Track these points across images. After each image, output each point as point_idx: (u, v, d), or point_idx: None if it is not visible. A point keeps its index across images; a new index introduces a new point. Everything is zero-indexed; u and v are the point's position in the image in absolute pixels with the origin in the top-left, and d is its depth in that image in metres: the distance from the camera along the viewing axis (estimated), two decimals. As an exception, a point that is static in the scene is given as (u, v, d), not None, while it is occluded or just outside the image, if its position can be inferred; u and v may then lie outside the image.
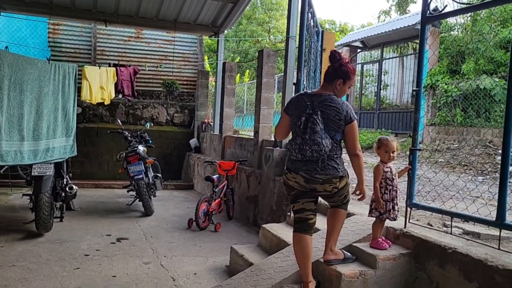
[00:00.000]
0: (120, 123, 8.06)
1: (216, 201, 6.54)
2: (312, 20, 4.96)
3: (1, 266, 4.43)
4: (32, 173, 5.23)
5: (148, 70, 10.41)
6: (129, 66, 7.30)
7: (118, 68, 6.99)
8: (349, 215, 4.40)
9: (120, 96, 7.23)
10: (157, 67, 7.28)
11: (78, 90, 6.18)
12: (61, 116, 5.42)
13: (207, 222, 6.31)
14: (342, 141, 3.32)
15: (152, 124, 8.35)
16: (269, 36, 28.01)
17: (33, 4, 8.93)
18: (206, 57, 15.71)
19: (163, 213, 7.31)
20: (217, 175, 7.04)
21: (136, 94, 7.36)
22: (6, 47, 5.14)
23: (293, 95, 3.99)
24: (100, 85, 6.45)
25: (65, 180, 6.08)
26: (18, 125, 4.68)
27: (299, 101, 3.30)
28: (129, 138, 7.69)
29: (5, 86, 4.45)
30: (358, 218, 4.26)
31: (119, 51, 11.17)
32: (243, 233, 6.25)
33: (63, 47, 10.78)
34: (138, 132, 7.91)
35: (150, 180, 7.27)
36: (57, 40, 10.87)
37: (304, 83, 4.40)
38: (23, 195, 5.97)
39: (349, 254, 3.57)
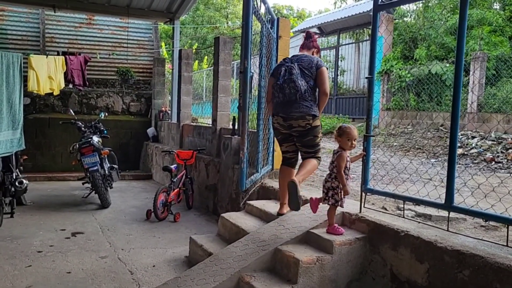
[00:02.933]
0: (73, 113, 7.77)
1: (175, 191, 6.46)
2: (263, 7, 4.90)
3: None
4: (-23, 169, 4.97)
5: (102, 58, 10.07)
6: (80, 54, 6.96)
7: (67, 56, 6.66)
8: (306, 201, 4.46)
9: (71, 86, 6.91)
10: (109, 55, 7.00)
11: (25, 79, 5.87)
12: (6, 109, 5.13)
13: (166, 213, 6.23)
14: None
15: (107, 114, 8.10)
16: (227, 22, 27.73)
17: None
18: (163, 44, 15.37)
19: (120, 204, 7.16)
20: (175, 165, 6.94)
21: (87, 83, 7.05)
22: None
23: (246, 83, 4.01)
24: (48, 74, 6.11)
25: (14, 174, 5.82)
26: None
27: (281, 63, 4.07)
28: (82, 128, 7.44)
29: None
30: (316, 205, 4.31)
31: (69, 38, 10.70)
32: (202, 222, 6.21)
33: (8, 34, 10.20)
34: (92, 123, 7.66)
35: (106, 172, 7.08)
36: (1, 27, 10.27)
37: (252, 70, 4.36)
38: (-28, 190, 5.66)
39: None
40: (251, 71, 4.01)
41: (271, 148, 5.62)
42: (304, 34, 4.41)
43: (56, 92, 6.38)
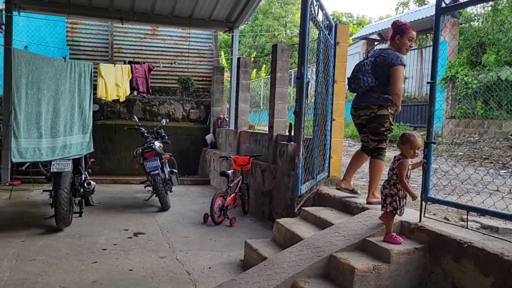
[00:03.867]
0: (137, 120, 8.15)
1: (231, 196, 6.57)
2: (321, 13, 4.90)
3: (22, 260, 4.54)
4: (52, 170, 5.34)
5: (164, 66, 10.50)
6: (144, 63, 7.32)
7: (133, 65, 7.02)
8: (364, 209, 4.38)
9: (135, 93, 7.26)
10: (171, 63, 7.30)
11: (94, 87, 6.27)
12: (77, 114, 5.52)
13: (223, 217, 6.35)
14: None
15: (167, 120, 8.42)
16: (286, 31, 27.88)
17: (51, 3, 9.08)
18: (222, 53, 15.73)
19: (179, 208, 7.38)
20: (232, 170, 7.06)
21: (151, 90, 7.39)
22: (26, 47, 5.24)
23: (302, 89, 4.07)
24: (115, 82, 6.49)
25: (83, 176, 6.19)
26: (36, 122, 4.79)
27: (364, 58, 4.53)
28: (145, 134, 7.77)
29: (23, 85, 4.56)
30: (373, 213, 4.22)
31: (135, 49, 11.27)
32: (258, 228, 6.26)
33: (81, 46, 10.94)
34: (155, 129, 7.98)
35: (166, 176, 7.34)
36: (75, 38, 11.03)
37: (308, 76, 4.36)
38: (44, 191, 6.09)
39: None
40: (307, 77, 4.02)
41: (327, 155, 5.58)
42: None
43: (122, 99, 6.75)
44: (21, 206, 6.99)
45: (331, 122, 5.57)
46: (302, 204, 4.89)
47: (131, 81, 6.99)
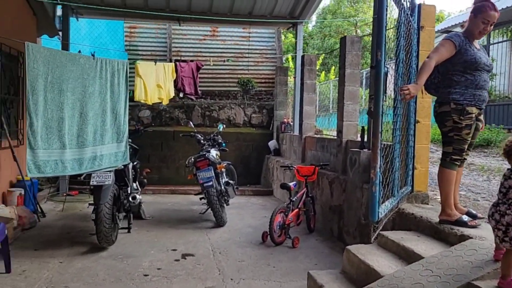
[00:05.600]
0: (193, 126, 7.56)
1: (294, 211, 5.70)
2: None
3: (54, 287, 4.02)
4: (91, 183, 4.82)
5: (224, 69, 9.92)
6: (192, 61, 6.64)
7: (177, 63, 6.35)
8: (464, 238, 3.33)
9: (181, 95, 6.63)
10: (224, 61, 6.61)
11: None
12: (110, 120, 4.91)
13: (284, 237, 5.49)
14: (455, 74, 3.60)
15: (225, 126, 7.75)
16: (356, 31, 26.53)
17: (107, 7, 8.83)
18: (289, 57, 14.92)
19: (237, 223, 6.64)
20: (295, 182, 6.19)
21: (199, 92, 6.68)
22: (93, 54, 4.71)
23: (378, 81, 3.13)
24: (156, 83, 5.82)
25: (129, 188, 5.65)
26: (58, 130, 4.23)
27: None
28: (201, 141, 7.16)
29: (40, 86, 4.01)
30: (478, 244, 3.16)
31: (194, 51, 10.87)
32: (325, 250, 5.33)
33: (139, 50, 10.75)
34: (211, 135, 7.35)
35: (222, 188, 6.63)
36: (133, 43, 10.88)
37: (387, 66, 3.37)
38: (89, 204, 5.62)
39: (466, 217, 3.55)
40: (385, 66, 3.06)
41: (411, 165, 4.53)
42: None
43: (165, 102, 6.09)
44: (71, 219, 6.63)
45: (414, 125, 4.53)
46: (380, 229, 3.90)
47: (175, 82, 6.30)
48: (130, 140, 6.28)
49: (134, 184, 6.21)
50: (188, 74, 6.40)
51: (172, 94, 6.13)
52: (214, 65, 9.38)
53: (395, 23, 3.85)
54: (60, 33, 8.47)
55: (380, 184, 3.22)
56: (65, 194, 8.09)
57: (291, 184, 5.94)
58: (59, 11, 8.60)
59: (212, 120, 10.22)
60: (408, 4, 4.19)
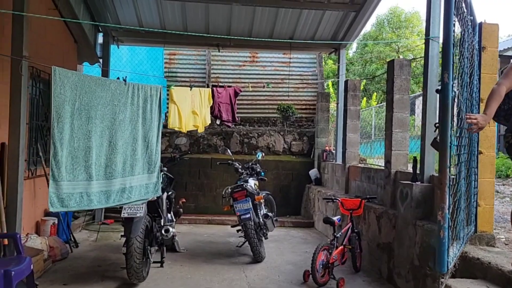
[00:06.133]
0: (230, 154, 7.25)
1: (338, 249, 5.20)
2: (463, 4, 3.47)
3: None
4: (122, 215, 4.55)
5: (263, 95, 9.67)
6: (230, 86, 6.38)
7: (214, 88, 6.09)
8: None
9: (218, 122, 6.34)
10: (264, 86, 6.33)
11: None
12: (141, 149, 4.62)
13: (327, 277, 4.99)
14: None
15: (264, 154, 7.39)
16: (398, 56, 25.89)
17: (148, 34, 8.86)
18: (330, 83, 14.56)
19: (276, 258, 6.19)
20: (339, 216, 5.70)
21: (236, 119, 6.37)
22: (124, 78, 4.52)
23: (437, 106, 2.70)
24: (191, 109, 5.55)
25: (162, 220, 5.35)
26: (85, 161, 3.97)
27: None
28: (239, 170, 6.83)
29: (67, 114, 3.79)
30: None
31: (233, 77, 10.73)
32: (374, 294, 4.78)
33: (178, 76, 10.71)
34: (250, 163, 7.00)
35: (260, 220, 6.22)
36: (172, 69, 10.87)
37: (455, 89, 2.92)
38: (121, 236, 5.35)
39: None
40: (453, 90, 2.62)
41: (474, 202, 4.00)
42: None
43: (200, 130, 5.80)
44: (104, 250, 6.38)
45: (477, 156, 4.01)
46: (447, 278, 3.37)
47: (212, 108, 6.03)
48: (166, 168, 6.04)
49: (169, 215, 5.92)
50: (225, 100, 6.13)
51: (208, 121, 5.85)
52: (253, 91, 9.12)
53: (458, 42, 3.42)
54: (101, 60, 8.51)
55: (449, 229, 2.72)
56: (100, 223, 7.92)
57: (335, 218, 5.46)
58: (100, 39, 8.67)
59: (251, 148, 9.91)
60: (470, 20, 3.75)
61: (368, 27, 28.89)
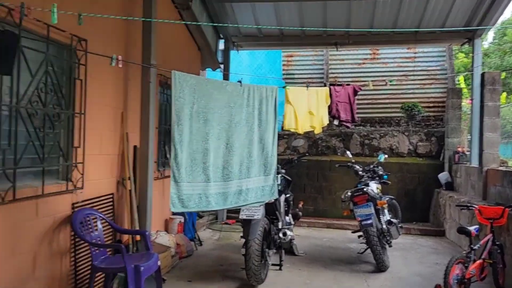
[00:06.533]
0: (350, 155, 6.93)
1: (476, 263, 4.58)
2: None
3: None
4: (240, 216, 4.58)
5: (385, 94, 9.11)
6: (348, 84, 6.03)
7: (332, 87, 5.80)
8: None
9: (336, 122, 6.03)
10: (385, 83, 5.89)
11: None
12: (257, 151, 4.55)
13: (463, 294, 4.42)
14: None
15: (387, 156, 6.92)
16: (547, 45, 22.57)
17: (265, 38, 8.98)
18: (461, 78, 13.25)
19: (401, 269, 5.73)
20: (477, 226, 5.04)
21: (356, 119, 5.99)
22: (239, 80, 4.62)
23: None
24: (308, 110, 5.34)
25: (280, 223, 5.28)
26: (203, 162, 4.03)
27: None
28: (360, 173, 6.49)
29: (186, 117, 3.88)
30: None
31: (352, 76, 10.32)
32: (523, 319, 4.10)
33: (295, 78, 10.67)
34: (371, 166, 6.61)
35: (384, 226, 5.80)
36: (290, 71, 10.88)
37: None
38: (241, 237, 5.41)
39: None
40: None
41: None
42: None
43: (317, 131, 5.55)
44: (225, 250, 6.56)
45: None
46: None
47: (329, 108, 5.74)
48: (283, 170, 5.98)
49: (287, 218, 5.85)
50: (343, 99, 5.82)
51: (326, 122, 5.61)
52: (373, 89, 8.64)
53: None
54: (222, 65, 8.85)
55: None
56: (222, 223, 8.20)
57: (472, 228, 4.82)
58: (221, 45, 9.02)
59: (372, 149, 9.42)
60: None
61: (507, 13, 25.80)
